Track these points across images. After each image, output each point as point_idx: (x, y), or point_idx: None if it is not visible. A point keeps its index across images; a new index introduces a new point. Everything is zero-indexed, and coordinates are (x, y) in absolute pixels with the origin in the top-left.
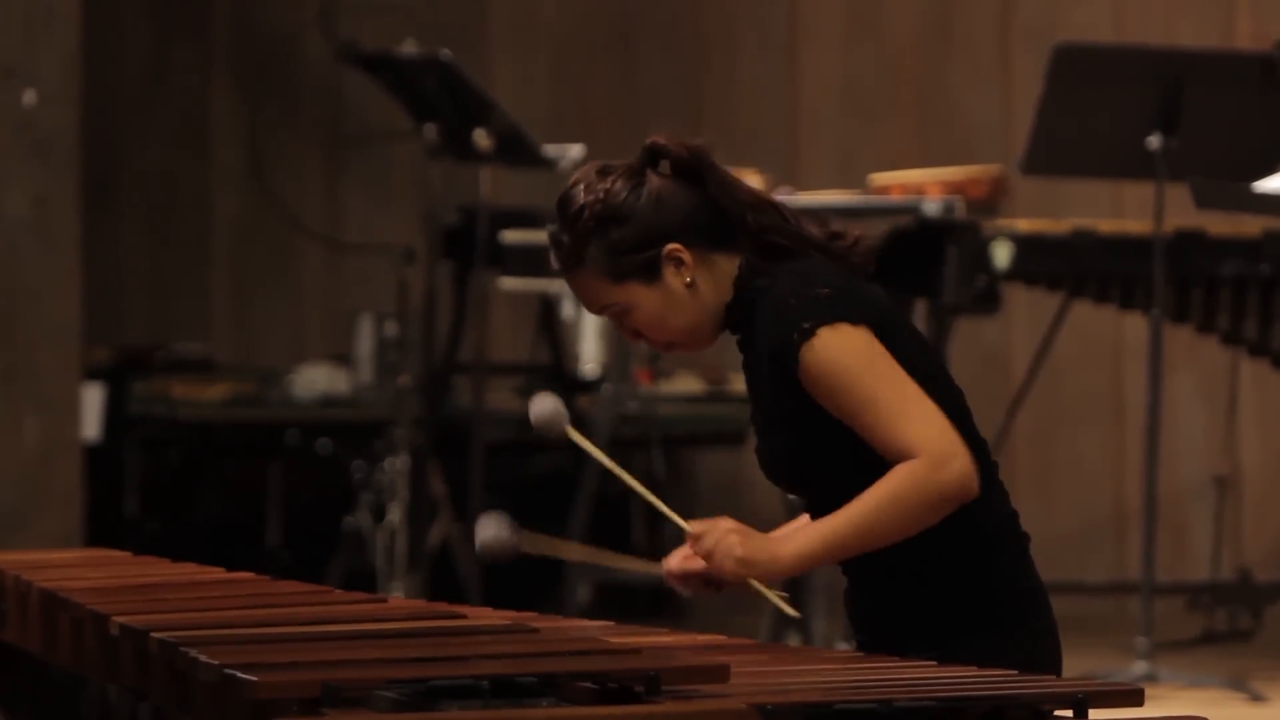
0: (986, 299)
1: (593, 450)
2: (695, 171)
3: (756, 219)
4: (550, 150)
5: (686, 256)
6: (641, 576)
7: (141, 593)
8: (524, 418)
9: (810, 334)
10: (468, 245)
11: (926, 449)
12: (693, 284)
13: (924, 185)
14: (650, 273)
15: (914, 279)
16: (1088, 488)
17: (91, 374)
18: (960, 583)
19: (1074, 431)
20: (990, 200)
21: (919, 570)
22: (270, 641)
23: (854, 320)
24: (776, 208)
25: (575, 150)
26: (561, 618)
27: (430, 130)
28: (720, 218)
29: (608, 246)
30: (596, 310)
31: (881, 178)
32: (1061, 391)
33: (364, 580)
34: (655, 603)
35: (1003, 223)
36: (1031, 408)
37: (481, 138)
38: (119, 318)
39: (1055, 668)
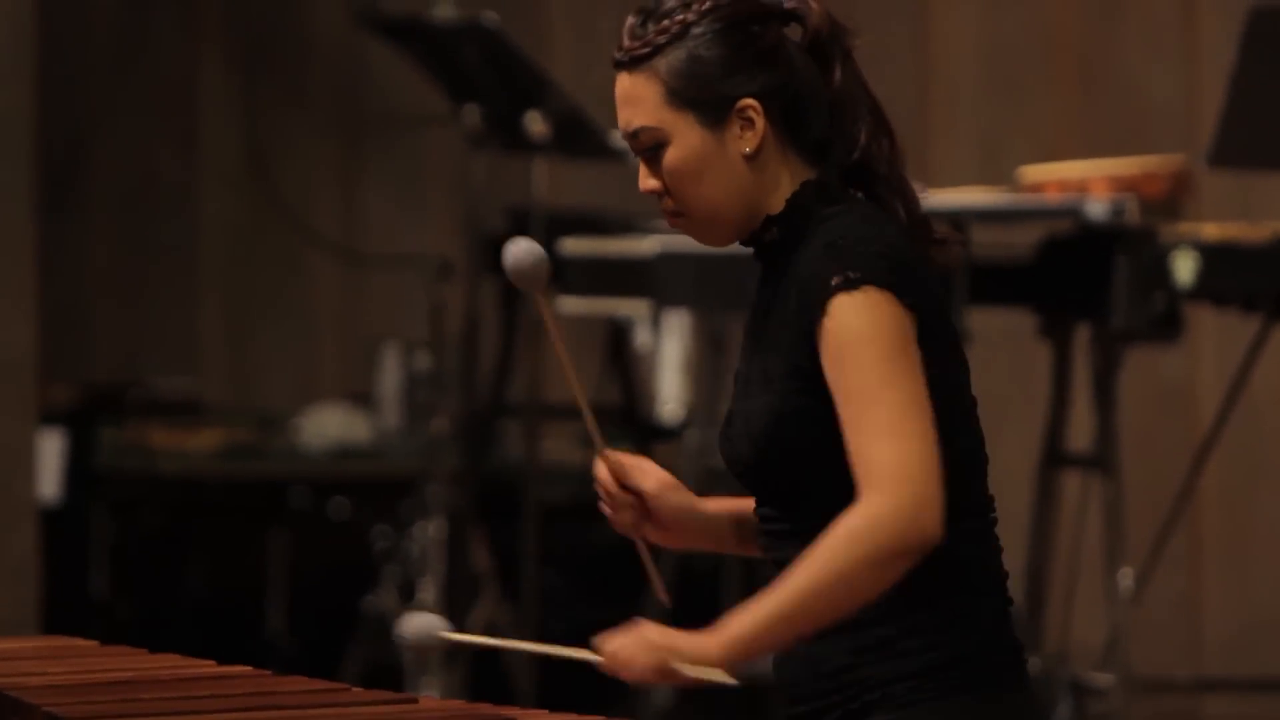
0: (1166, 323)
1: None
2: (827, 52)
3: (871, 134)
4: (618, 138)
5: (761, 123)
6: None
7: (111, 691)
8: (586, 473)
9: (854, 285)
10: None
11: (896, 486)
12: (753, 157)
13: (1087, 181)
14: (715, 114)
15: (1075, 298)
16: None
17: (50, 418)
18: (937, 640)
19: (1276, 490)
20: (1170, 200)
21: (889, 619)
22: None
23: (905, 301)
24: (896, 143)
25: None
26: None
27: (471, 114)
28: (823, 115)
29: (688, 58)
30: (630, 129)
31: (1034, 171)
32: (1260, 439)
33: (388, 676)
34: (750, 703)
35: (1186, 228)
36: (1223, 459)
37: (535, 122)
38: (84, 348)
39: None
